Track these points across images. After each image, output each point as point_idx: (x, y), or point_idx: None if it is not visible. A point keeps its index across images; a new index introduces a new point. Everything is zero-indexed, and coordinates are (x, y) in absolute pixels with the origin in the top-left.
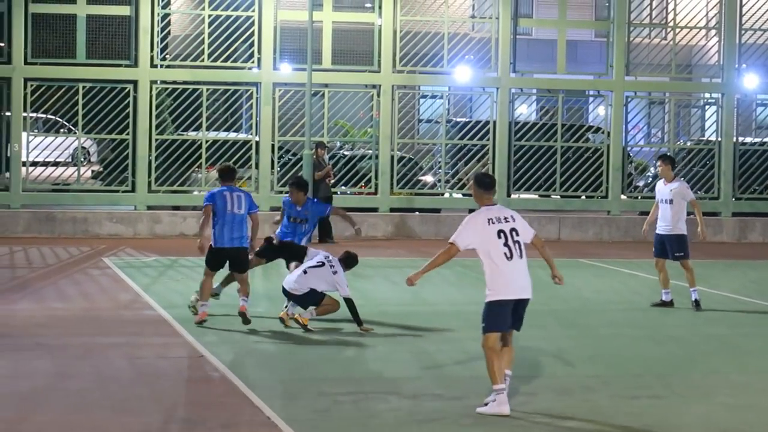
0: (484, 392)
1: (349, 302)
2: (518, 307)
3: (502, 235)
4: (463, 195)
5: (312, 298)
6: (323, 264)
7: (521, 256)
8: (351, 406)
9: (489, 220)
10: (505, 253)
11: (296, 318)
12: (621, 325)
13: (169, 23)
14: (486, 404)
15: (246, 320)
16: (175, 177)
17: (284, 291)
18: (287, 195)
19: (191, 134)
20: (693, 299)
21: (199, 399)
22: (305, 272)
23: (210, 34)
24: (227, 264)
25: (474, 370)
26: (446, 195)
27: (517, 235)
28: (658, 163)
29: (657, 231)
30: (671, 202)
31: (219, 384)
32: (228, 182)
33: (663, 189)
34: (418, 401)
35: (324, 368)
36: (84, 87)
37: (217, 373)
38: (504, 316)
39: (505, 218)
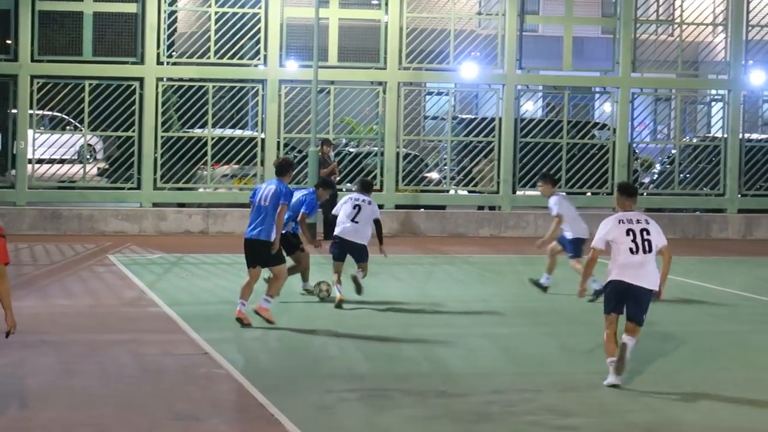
0: (488, 389)
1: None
2: (632, 292)
3: (630, 233)
4: (469, 192)
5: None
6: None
7: (646, 253)
8: (356, 404)
9: (620, 221)
10: (631, 248)
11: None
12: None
13: (175, 20)
14: None
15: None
16: (180, 174)
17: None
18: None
19: (197, 131)
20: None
21: (204, 396)
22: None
23: (216, 31)
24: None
25: (478, 367)
26: (452, 192)
27: (648, 234)
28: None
29: None
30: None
31: (223, 381)
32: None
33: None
34: (424, 398)
35: (329, 365)
36: (90, 84)
37: (221, 370)
38: (615, 297)
39: (637, 220)
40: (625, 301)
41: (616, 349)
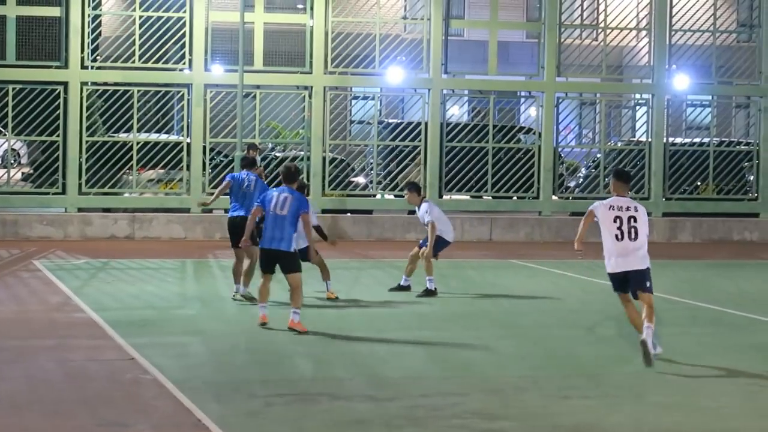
0: (416, 393)
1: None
2: (628, 276)
3: (618, 220)
4: (396, 196)
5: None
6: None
7: (632, 240)
8: (283, 408)
9: (610, 206)
10: (616, 235)
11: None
12: (552, 326)
13: (99, 24)
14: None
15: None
16: (106, 179)
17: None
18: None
19: (122, 136)
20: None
21: (130, 401)
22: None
23: (141, 36)
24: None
25: (406, 371)
26: (378, 196)
27: (635, 222)
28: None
29: None
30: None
31: (150, 386)
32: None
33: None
34: (351, 402)
35: (256, 370)
36: (14, 88)
37: (147, 375)
38: (617, 283)
39: (627, 207)
40: (627, 283)
41: (638, 318)
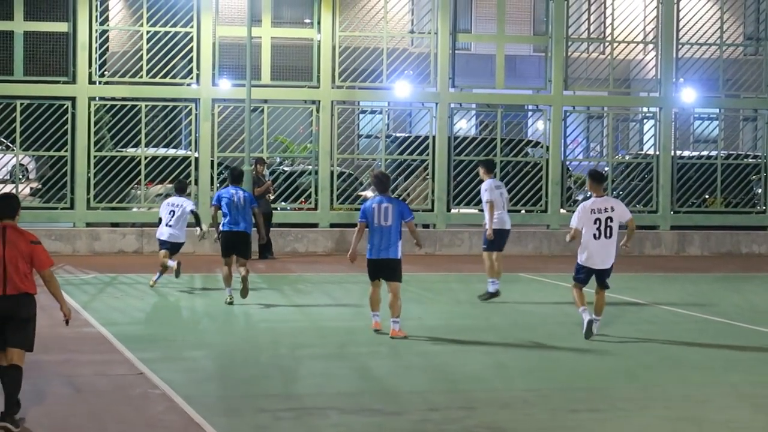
0: (424, 407)
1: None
2: (600, 274)
3: (597, 222)
4: None
5: None
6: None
7: (607, 238)
8: (292, 422)
9: (592, 210)
10: (594, 234)
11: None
12: (561, 339)
13: (107, 39)
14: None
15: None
16: (114, 194)
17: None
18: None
19: (130, 151)
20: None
21: (139, 416)
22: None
23: (148, 51)
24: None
25: (414, 385)
26: None
27: (611, 222)
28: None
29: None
30: None
31: (159, 401)
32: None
33: None
34: (359, 416)
35: (264, 385)
36: (22, 104)
37: (156, 390)
38: (583, 275)
39: (605, 209)
40: (592, 276)
41: (584, 301)
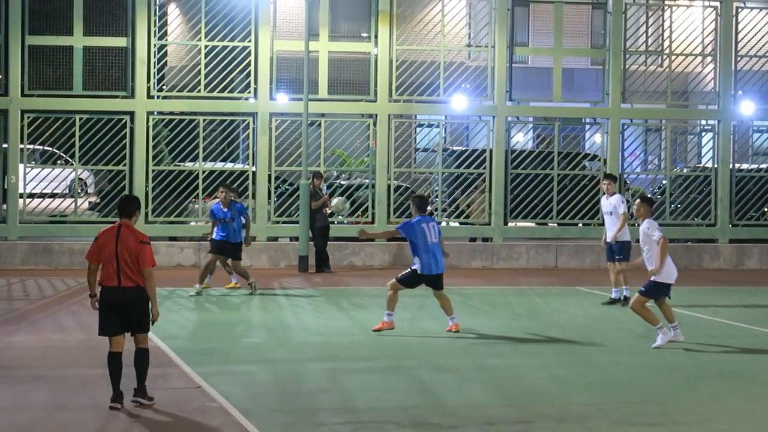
0: (481, 421)
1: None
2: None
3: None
4: (461, 224)
5: None
6: None
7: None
8: None
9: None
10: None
11: None
12: (618, 353)
13: (165, 54)
14: None
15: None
16: (172, 208)
17: None
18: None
19: (188, 165)
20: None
21: (197, 429)
22: None
23: (206, 65)
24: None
25: (471, 399)
26: (443, 223)
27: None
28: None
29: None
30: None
31: (217, 414)
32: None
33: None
34: (417, 430)
35: (321, 398)
36: (81, 118)
37: (214, 403)
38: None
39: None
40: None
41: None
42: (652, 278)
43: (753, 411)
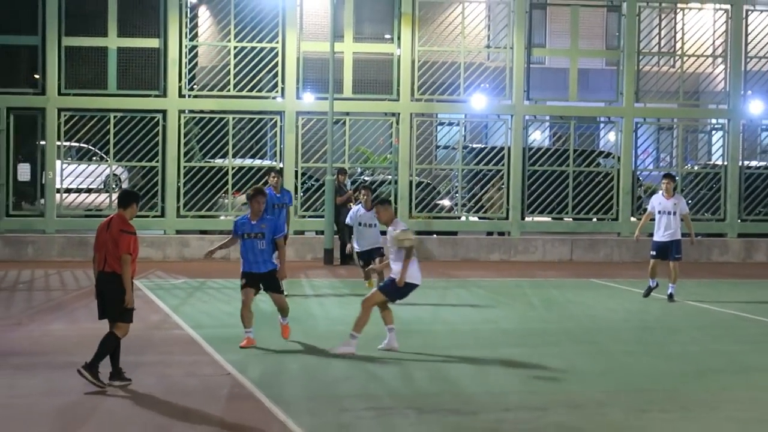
0: (499, 408)
1: None
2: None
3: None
4: (480, 218)
5: None
6: None
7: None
8: (373, 422)
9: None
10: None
11: None
12: (631, 342)
13: (196, 55)
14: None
15: None
16: (202, 202)
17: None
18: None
19: (218, 161)
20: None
21: (227, 415)
22: None
23: (235, 65)
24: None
25: (489, 386)
26: (463, 218)
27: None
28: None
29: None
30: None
31: (245, 400)
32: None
33: (665, 202)
34: (437, 416)
35: (345, 385)
36: (115, 117)
37: (243, 390)
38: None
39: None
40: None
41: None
42: None
43: (761, 400)
